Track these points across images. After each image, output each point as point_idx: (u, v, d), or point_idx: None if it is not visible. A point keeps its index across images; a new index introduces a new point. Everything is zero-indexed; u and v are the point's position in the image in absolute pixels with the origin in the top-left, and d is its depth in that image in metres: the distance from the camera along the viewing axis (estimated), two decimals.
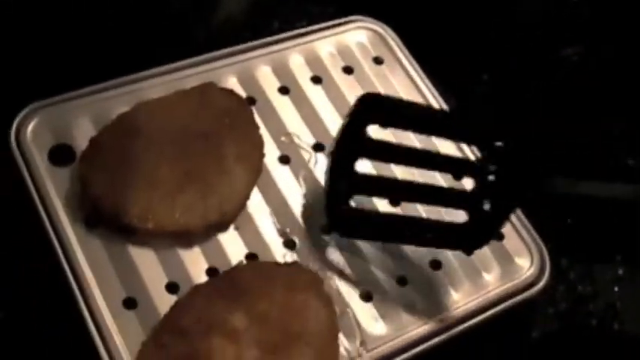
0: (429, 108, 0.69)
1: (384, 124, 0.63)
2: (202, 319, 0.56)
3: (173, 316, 0.57)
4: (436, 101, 0.73)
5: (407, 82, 0.74)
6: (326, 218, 0.62)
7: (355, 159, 0.59)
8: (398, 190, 0.63)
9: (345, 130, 0.59)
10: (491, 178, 0.59)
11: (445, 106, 0.73)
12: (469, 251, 0.62)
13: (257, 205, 0.64)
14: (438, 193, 0.63)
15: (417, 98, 0.73)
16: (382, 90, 0.73)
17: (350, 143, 0.59)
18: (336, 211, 0.61)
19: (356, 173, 0.59)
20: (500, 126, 0.60)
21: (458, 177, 0.66)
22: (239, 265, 0.60)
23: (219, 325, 0.56)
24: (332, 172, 0.59)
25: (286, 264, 0.62)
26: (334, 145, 0.59)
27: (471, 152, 0.69)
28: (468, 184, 0.64)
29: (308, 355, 0.57)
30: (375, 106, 0.60)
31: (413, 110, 0.62)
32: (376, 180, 0.63)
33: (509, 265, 0.66)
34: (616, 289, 0.70)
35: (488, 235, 0.61)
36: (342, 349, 0.59)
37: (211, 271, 0.60)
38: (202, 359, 0.55)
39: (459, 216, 0.62)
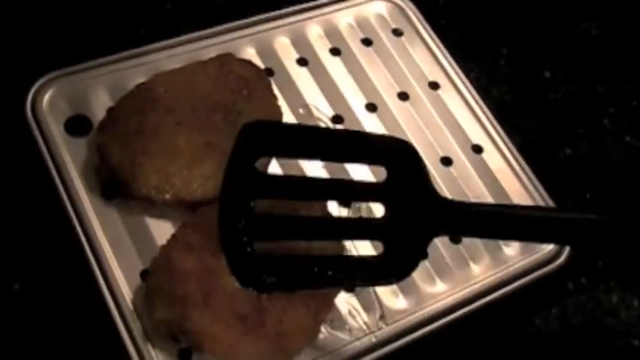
0: (324, 130, 0.59)
1: (276, 155, 0.55)
2: (210, 237, 0.56)
3: (182, 234, 0.57)
4: (456, 74, 0.72)
5: (426, 54, 0.73)
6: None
7: (248, 201, 0.48)
8: (307, 229, 0.51)
9: (231, 169, 0.49)
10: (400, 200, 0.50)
11: (465, 78, 0.72)
12: (390, 282, 0.55)
13: None
14: (352, 227, 0.52)
15: (436, 71, 0.72)
16: (402, 62, 0.72)
17: (239, 183, 0.49)
18: (238, 265, 0.49)
19: (253, 215, 0.48)
20: (404, 142, 0.50)
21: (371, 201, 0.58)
22: None
23: None
24: (222, 220, 0.48)
25: None
26: (221, 189, 0.49)
27: None
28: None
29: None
30: (262, 136, 0.50)
31: (306, 135, 0.51)
32: (280, 220, 0.51)
33: None
34: None
35: (409, 264, 0.51)
36: (361, 323, 0.58)
37: None
38: (211, 275, 0.55)
39: None
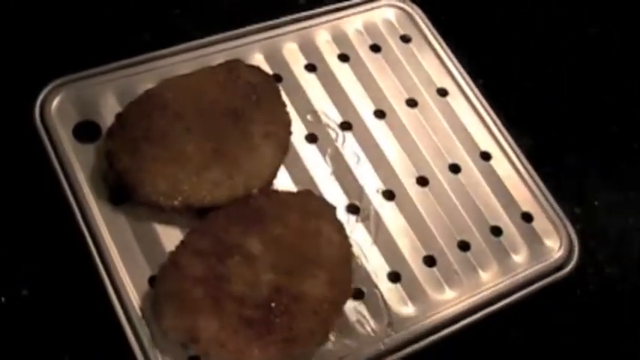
0: None
1: None
2: (219, 243, 0.57)
3: (191, 240, 0.57)
4: (464, 80, 0.72)
5: (435, 60, 0.73)
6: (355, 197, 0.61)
7: None
8: None
9: None
10: None
11: (473, 85, 0.72)
12: None
13: (284, 183, 0.63)
14: None
15: (444, 77, 0.72)
16: (410, 69, 0.72)
17: None
18: None
19: None
20: None
21: None
22: (254, 194, 0.60)
23: (235, 248, 0.57)
24: None
25: (300, 192, 0.62)
26: None
27: None
28: None
29: (321, 277, 0.57)
30: None
31: None
32: None
33: (538, 246, 0.65)
34: None
35: None
36: (369, 330, 0.58)
37: None
38: (220, 280, 0.55)
39: None
